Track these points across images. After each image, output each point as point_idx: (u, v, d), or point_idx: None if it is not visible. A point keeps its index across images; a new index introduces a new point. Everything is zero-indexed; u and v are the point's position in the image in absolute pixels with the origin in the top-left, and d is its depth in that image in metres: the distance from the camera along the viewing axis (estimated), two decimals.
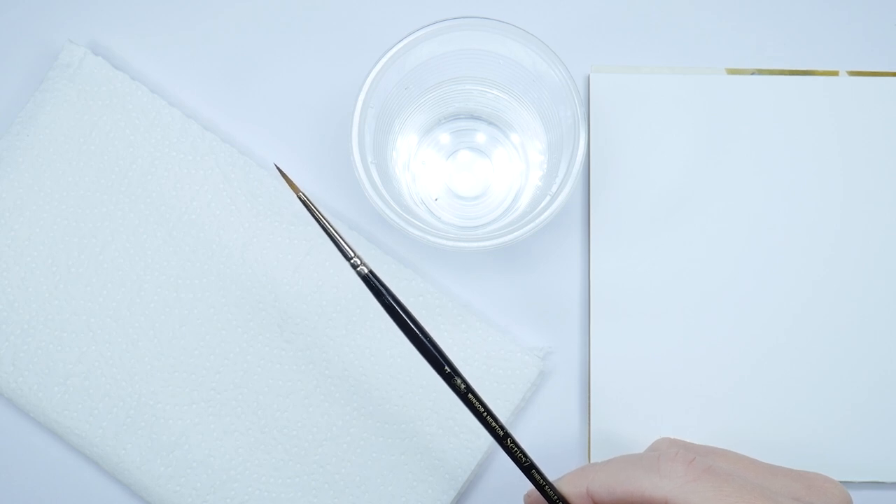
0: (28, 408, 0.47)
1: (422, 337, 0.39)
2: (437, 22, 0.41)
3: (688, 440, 0.46)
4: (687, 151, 0.48)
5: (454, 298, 0.47)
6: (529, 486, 0.41)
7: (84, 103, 0.48)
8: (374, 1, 0.49)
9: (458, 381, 0.39)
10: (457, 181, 0.47)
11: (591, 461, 0.46)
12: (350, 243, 0.40)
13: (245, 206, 0.47)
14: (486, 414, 0.40)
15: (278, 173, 0.48)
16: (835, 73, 0.48)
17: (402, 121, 0.45)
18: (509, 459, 0.47)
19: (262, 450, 0.46)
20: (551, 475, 0.41)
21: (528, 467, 0.40)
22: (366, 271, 0.39)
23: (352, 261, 0.40)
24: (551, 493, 0.40)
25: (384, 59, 0.41)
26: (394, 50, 0.41)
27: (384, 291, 0.39)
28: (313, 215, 0.40)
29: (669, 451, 0.38)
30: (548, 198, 0.41)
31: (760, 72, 0.48)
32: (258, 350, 0.47)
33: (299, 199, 0.40)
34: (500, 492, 0.47)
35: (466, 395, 0.39)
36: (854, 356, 0.47)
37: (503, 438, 0.40)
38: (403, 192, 0.46)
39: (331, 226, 0.40)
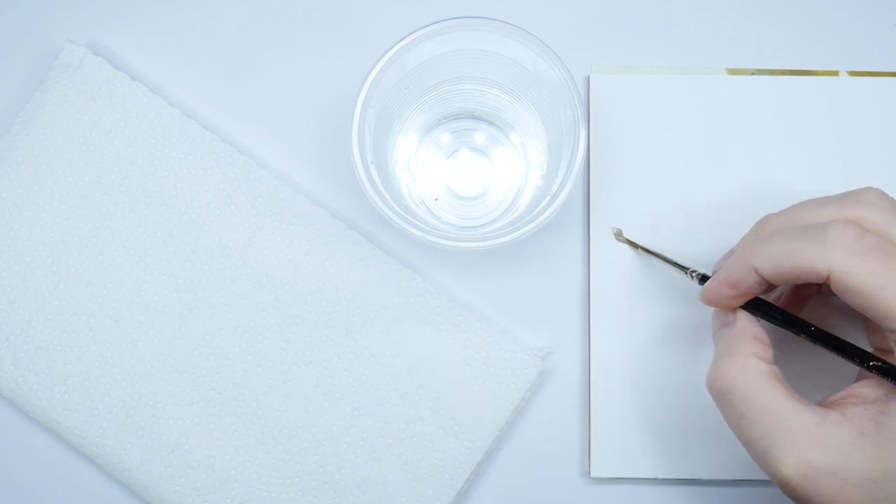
0: (28, 408, 0.47)
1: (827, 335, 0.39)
2: (437, 22, 0.41)
3: (686, 439, 0.46)
4: (687, 151, 0.48)
5: (454, 298, 0.47)
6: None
7: (84, 103, 0.48)
8: (374, 1, 0.49)
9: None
10: (457, 181, 0.47)
11: (591, 461, 0.46)
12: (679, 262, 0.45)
13: (245, 206, 0.47)
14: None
15: (280, 174, 0.48)
16: (835, 73, 0.48)
17: (402, 121, 0.45)
18: (509, 459, 0.47)
19: (262, 450, 0.46)
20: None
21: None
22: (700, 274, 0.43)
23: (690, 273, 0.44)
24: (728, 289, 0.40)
25: (384, 59, 0.41)
26: (394, 50, 0.41)
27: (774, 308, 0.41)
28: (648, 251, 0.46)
29: (838, 222, 0.37)
30: (548, 198, 0.41)
31: (760, 72, 0.48)
32: (258, 350, 0.47)
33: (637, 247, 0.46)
34: (501, 492, 0.47)
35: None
36: None
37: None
38: (403, 192, 0.46)
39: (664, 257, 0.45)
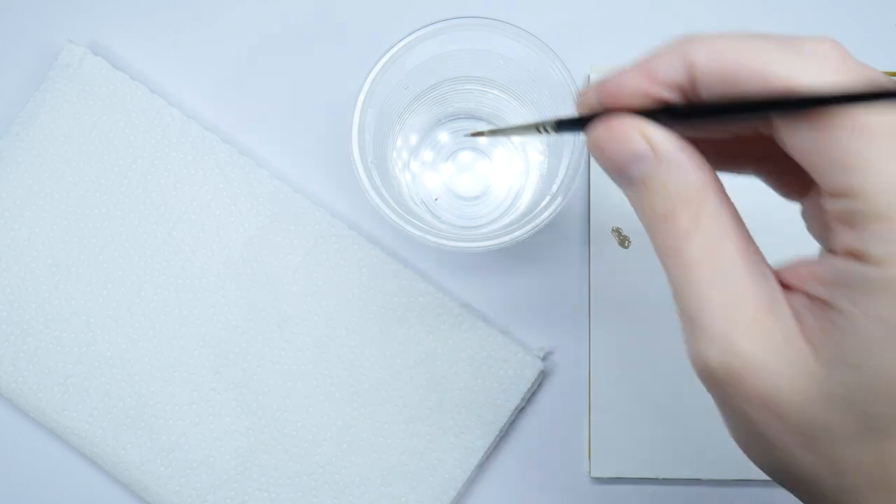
0: (28, 408, 0.47)
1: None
2: (437, 22, 0.41)
3: (686, 439, 0.46)
4: None
5: (454, 298, 0.47)
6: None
7: (84, 103, 0.48)
8: (374, 1, 0.49)
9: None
10: (457, 181, 0.47)
11: (591, 461, 0.46)
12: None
13: (245, 206, 0.47)
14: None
15: (280, 174, 0.48)
16: None
17: (402, 121, 0.45)
18: (509, 459, 0.47)
19: (262, 450, 0.46)
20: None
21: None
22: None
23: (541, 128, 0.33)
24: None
25: (384, 59, 0.41)
26: (394, 50, 0.41)
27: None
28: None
29: (818, 37, 0.27)
30: (548, 198, 0.41)
31: None
32: (258, 350, 0.47)
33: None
34: (500, 492, 0.47)
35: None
36: None
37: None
38: (403, 192, 0.46)
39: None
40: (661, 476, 0.46)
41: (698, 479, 0.47)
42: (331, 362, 0.47)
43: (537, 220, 0.40)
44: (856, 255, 0.26)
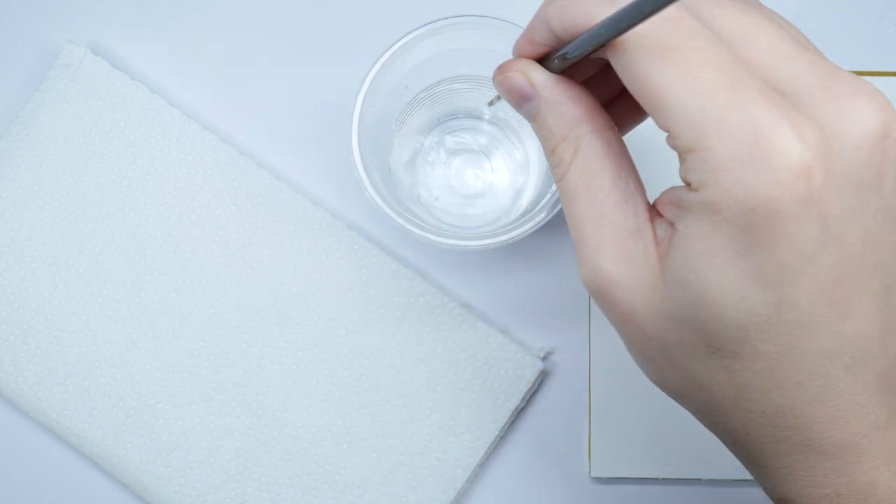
0: (28, 408, 0.47)
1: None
2: (436, 21, 0.41)
3: (686, 439, 0.46)
4: None
5: (454, 298, 0.47)
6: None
7: (84, 103, 0.48)
8: (374, 1, 0.49)
9: None
10: (457, 180, 0.47)
11: (591, 461, 0.46)
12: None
13: (245, 206, 0.47)
14: None
15: (280, 174, 0.48)
16: None
17: (402, 120, 0.45)
18: (509, 459, 0.47)
19: (262, 450, 0.46)
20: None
21: None
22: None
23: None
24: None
25: (384, 59, 0.41)
26: (393, 50, 0.41)
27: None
28: None
29: None
30: (548, 197, 0.41)
31: None
32: (258, 350, 0.47)
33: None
34: (500, 492, 0.47)
35: None
36: None
37: None
38: (403, 191, 0.46)
39: None
40: (661, 476, 0.46)
41: (698, 479, 0.47)
42: (331, 362, 0.47)
43: (537, 220, 0.40)
44: (685, 183, 0.29)
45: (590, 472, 0.46)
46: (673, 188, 0.30)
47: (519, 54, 0.33)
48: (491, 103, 0.40)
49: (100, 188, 0.47)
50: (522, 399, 0.47)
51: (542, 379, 0.47)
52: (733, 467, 0.46)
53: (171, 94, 0.49)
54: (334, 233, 0.47)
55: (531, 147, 0.46)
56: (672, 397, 0.33)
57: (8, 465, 0.48)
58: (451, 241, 0.40)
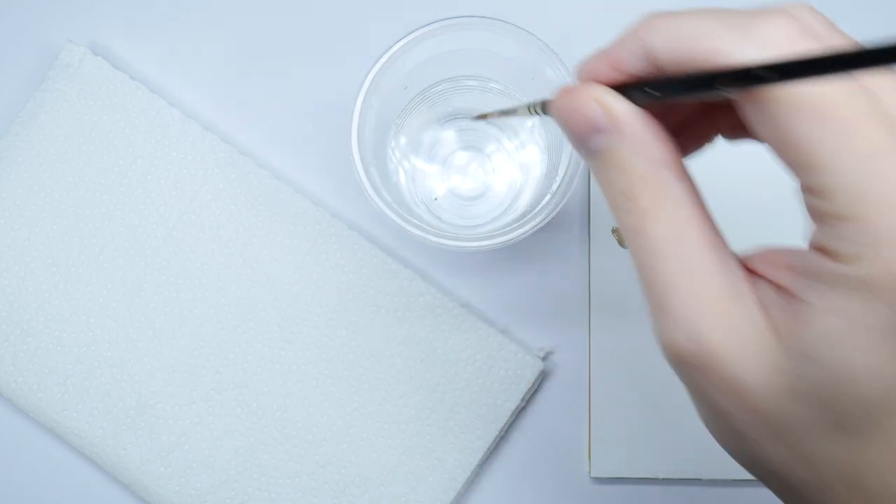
0: (28, 408, 0.47)
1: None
2: (437, 21, 0.41)
3: (686, 439, 0.46)
4: None
5: (454, 298, 0.47)
6: None
7: (84, 103, 0.48)
8: (374, 1, 0.49)
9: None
10: (457, 181, 0.47)
11: (591, 461, 0.46)
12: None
13: (245, 206, 0.47)
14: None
15: (280, 174, 0.48)
16: None
17: (402, 120, 0.45)
18: (509, 459, 0.47)
19: (262, 450, 0.46)
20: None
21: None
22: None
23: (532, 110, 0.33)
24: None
25: (384, 59, 0.41)
26: (393, 50, 0.41)
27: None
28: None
29: (776, 14, 0.26)
30: (548, 197, 0.41)
31: None
32: (258, 350, 0.47)
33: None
34: (501, 492, 0.47)
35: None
36: None
37: None
38: (403, 192, 0.46)
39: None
40: (661, 476, 0.46)
41: (698, 479, 0.47)
42: (331, 362, 0.47)
43: (537, 220, 0.40)
44: (823, 251, 0.26)
45: (590, 472, 0.46)
46: (792, 251, 0.27)
47: (591, 78, 0.28)
48: (484, 117, 0.36)
49: (100, 188, 0.47)
50: (522, 399, 0.47)
51: (542, 379, 0.47)
52: (733, 467, 0.46)
53: (171, 94, 0.49)
54: (334, 233, 0.47)
55: (530, 148, 0.46)
56: (751, 469, 0.30)
57: (8, 465, 0.48)
58: (450, 242, 0.40)
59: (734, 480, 0.46)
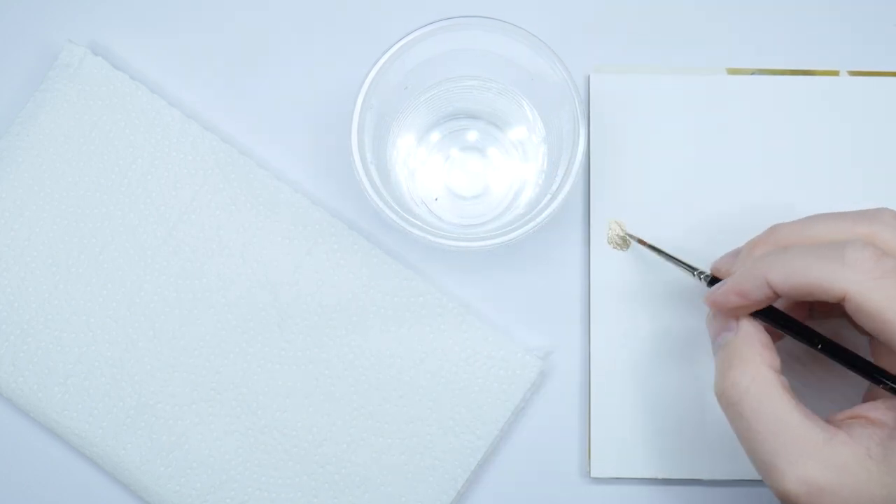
0: (28, 408, 0.47)
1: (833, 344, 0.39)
2: (437, 21, 0.41)
3: (686, 439, 0.46)
4: (687, 151, 0.48)
5: (454, 298, 0.47)
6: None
7: (84, 103, 0.48)
8: (374, 1, 0.49)
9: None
10: (456, 180, 0.47)
11: (591, 461, 0.46)
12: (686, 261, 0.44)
13: (245, 206, 0.47)
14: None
15: (280, 174, 0.48)
16: (835, 73, 0.48)
17: (402, 120, 0.45)
18: (509, 459, 0.47)
19: (262, 450, 0.46)
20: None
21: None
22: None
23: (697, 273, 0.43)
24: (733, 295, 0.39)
25: (384, 59, 0.41)
26: (393, 50, 0.41)
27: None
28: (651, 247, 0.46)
29: (857, 242, 0.36)
30: (548, 197, 0.41)
31: (760, 72, 0.48)
32: (258, 350, 0.47)
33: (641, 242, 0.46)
34: (501, 492, 0.47)
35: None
36: None
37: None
38: (403, 192, 0.46)
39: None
40: (661, 476, 0.46)
41: (698, 480, 0.47)
42: (331, 362, 0.47)
43: (537, 220, 0.40)
44: None
45: (590, 472, 0.46)
46: (867, 406, 0.38)
47: (727, 308, 0.39)
48: (695, 275, 0.44)
49: (100, 188, 0.47)
50: (522, 399, 0.47)
51: (541, 379, 0.47)
52: (733, 467, 0.46)
53: (171, 94, 0.49)
54: (334, 233, 0.47)
55: (530, 147, 0.46)
56: None
57: (8, 465, 0.48)
58: (450, 242, 0.40)
59: (734, 480, 0.46)
